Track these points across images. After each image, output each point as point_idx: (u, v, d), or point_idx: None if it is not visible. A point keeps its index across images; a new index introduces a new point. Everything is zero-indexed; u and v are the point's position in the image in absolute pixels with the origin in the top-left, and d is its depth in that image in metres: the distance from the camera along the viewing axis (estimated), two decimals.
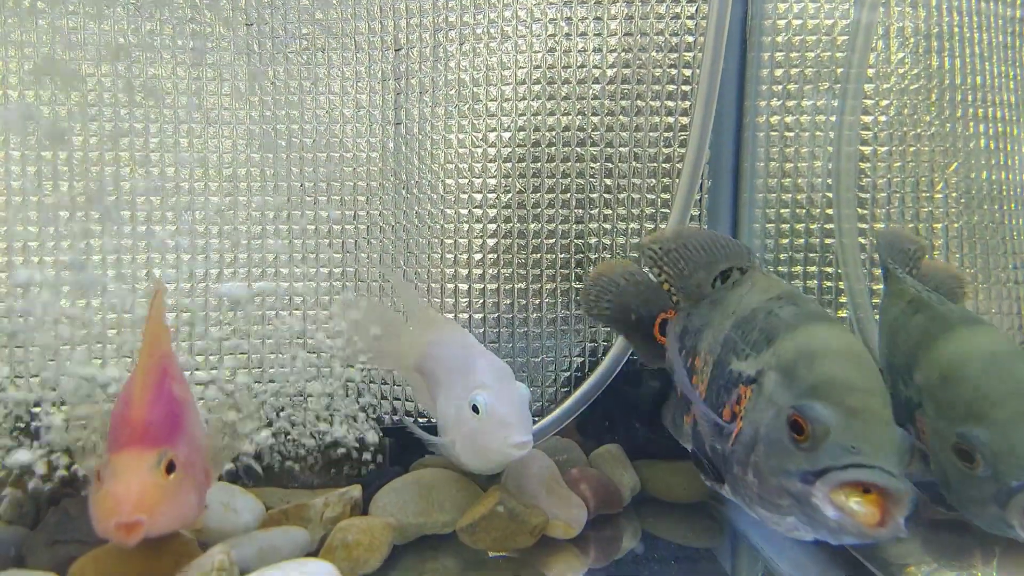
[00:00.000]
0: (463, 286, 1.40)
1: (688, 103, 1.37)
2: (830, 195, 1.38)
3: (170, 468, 0.90)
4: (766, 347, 0.88)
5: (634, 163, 1.39)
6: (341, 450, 1.34)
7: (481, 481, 1.21)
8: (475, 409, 1.05)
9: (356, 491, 1.15)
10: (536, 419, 1.38)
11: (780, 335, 0.87)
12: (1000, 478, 0.87)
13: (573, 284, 1.41)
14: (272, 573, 0.96)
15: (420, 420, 1.35)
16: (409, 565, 1.10)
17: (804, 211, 1.40)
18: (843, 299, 1.40)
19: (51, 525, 1.07)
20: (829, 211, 1.39)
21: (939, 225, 1.39)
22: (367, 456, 1.34)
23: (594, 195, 1.39)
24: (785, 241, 1.42)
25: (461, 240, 1.39)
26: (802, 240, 1.41)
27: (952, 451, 0.92)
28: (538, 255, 1.40)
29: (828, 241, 1.40)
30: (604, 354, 1.38)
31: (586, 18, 1.35)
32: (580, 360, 1.42)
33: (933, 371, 0.99)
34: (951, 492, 0.97)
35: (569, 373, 1.42)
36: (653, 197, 1.40)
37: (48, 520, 1.09)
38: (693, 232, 1.14)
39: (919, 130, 1.37)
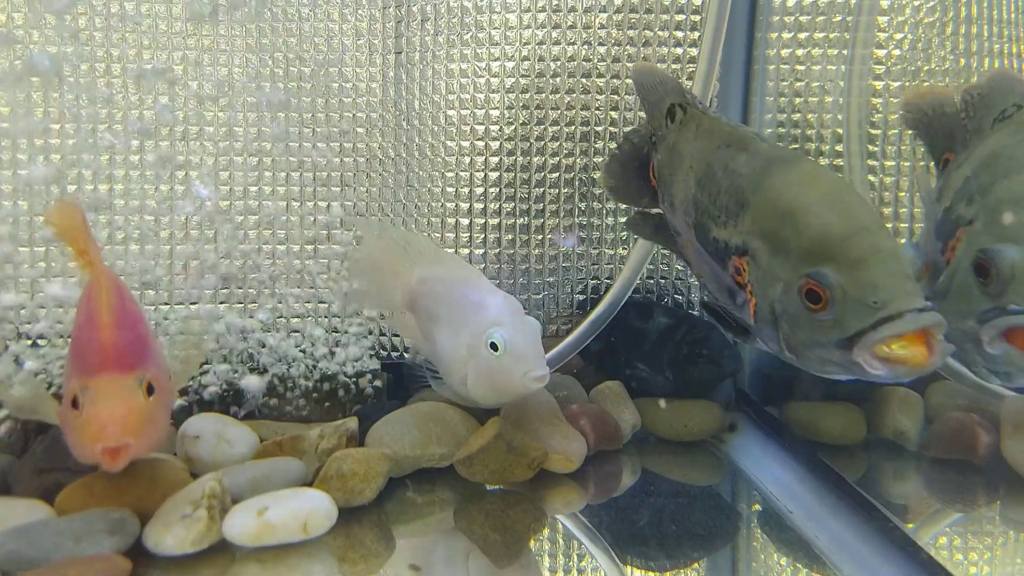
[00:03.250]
0: (464, 221, 1.36)
1: (697, 34, 1.32)
2: (840, 131, 1.34)
3: (150, 390, 0.90)
4: (740, 212, 0.85)
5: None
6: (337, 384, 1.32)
7: (479, 415, 1.19)
8: (493, 346, 1.05)
9: (352, 423, 1.13)
10: None
11: (749, 198, 0.84)
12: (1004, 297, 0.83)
13: (576, 220, 1.37)
14: (265, 501, 0.94)
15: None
16: (405, 497, 1.08)
17: (813, 147, 1.36)
18: None
19: (38, 453, 1.04)
20: (839, 147, 1.35)
21: None
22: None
23: (599, 128, 1.35)
24: None
25: (463, 173, 1.35)
26: None
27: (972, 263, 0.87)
28: (541, 190, 1.36)
29: None
30: (606, 292, 1.35)
31: None
32: (582, 297, 1.39)
33: None
34: (946, 306, 0.91)
35: (571, 311, 1.39)
36: None
37: (35, 448, 1.06)
38: (646, 69, 1.11)
39: (933, 65, 1.33)
